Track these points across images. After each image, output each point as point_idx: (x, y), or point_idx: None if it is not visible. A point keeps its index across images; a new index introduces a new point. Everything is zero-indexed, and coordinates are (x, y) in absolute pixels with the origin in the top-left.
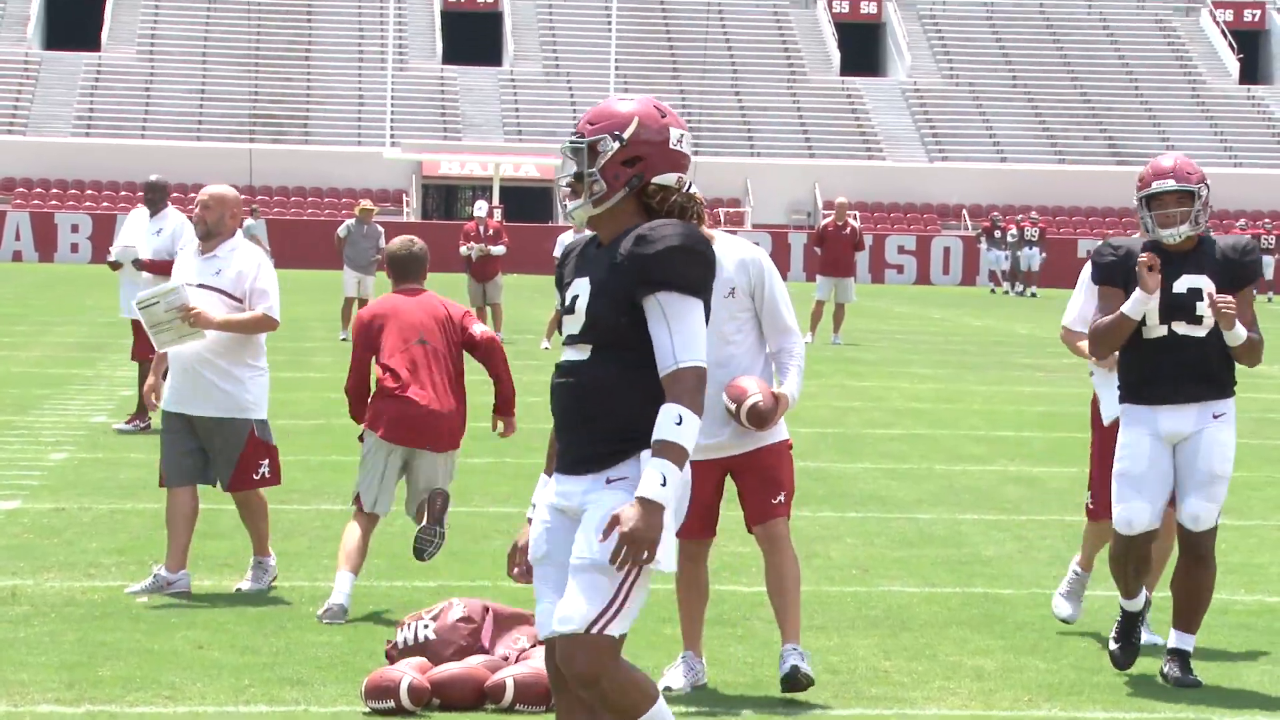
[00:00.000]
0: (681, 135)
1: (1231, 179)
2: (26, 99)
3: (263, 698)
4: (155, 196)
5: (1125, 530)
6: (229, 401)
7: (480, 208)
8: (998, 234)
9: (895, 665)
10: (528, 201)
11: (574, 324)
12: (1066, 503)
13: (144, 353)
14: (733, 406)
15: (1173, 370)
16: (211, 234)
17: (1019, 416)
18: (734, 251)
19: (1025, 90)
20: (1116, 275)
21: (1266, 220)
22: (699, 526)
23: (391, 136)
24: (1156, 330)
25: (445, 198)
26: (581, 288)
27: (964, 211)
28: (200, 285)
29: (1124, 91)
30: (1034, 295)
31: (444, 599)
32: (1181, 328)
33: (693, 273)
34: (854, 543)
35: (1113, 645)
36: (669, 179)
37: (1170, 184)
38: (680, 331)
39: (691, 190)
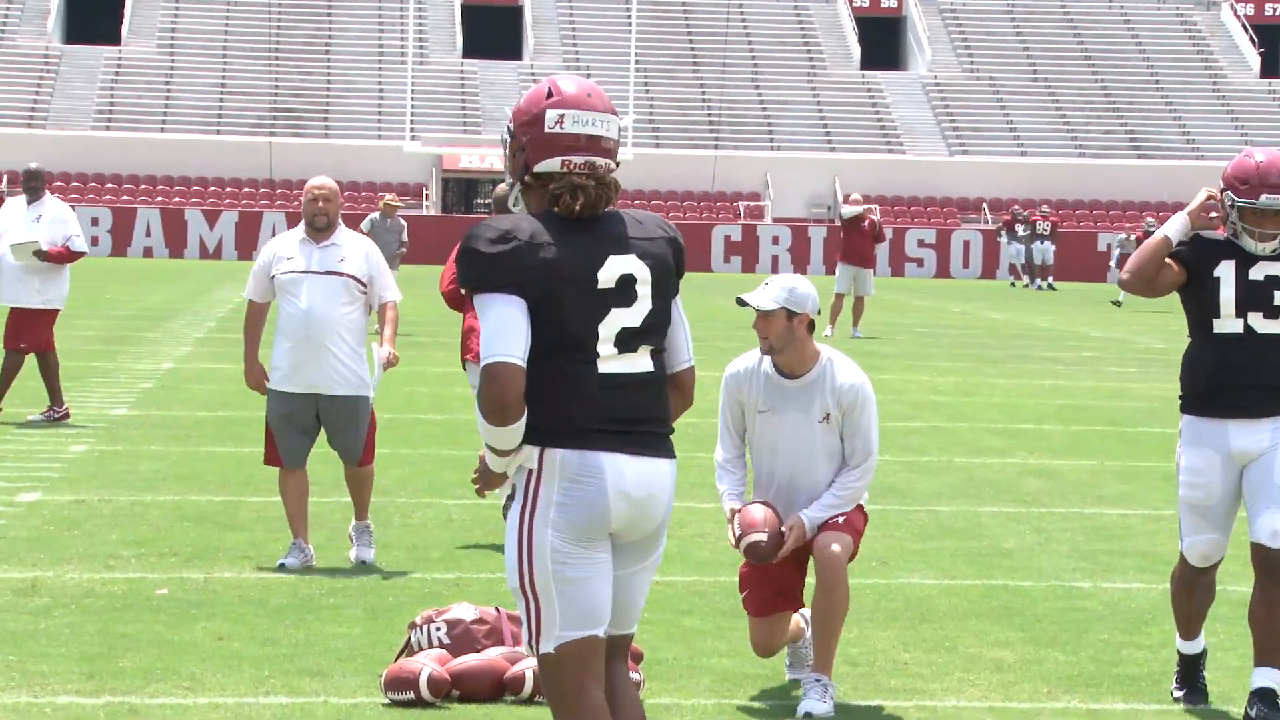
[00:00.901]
0: (561, 116)
1: None
2: (47, 92)
3: (283, 689)
4: (35, 184)
5: (1201, 564)
6: (358, 380)
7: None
8: (1019, 228)
9: (914, 657)
10: None
11: None
12: (1086, 495)
13: (12, 342)
14: (734, 536)
15: (1248, 376)
16: (332, 224)
17: (1038, 409)
18: (839, 375)
19: (1045, 83)
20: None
21: None
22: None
23: (412, 130)
24: (1230, 324)
25: (465, 191)
26: None
27: (984, 205)
28: (327, 272)
29: (1144, 85)
30: (1052, 288)
31: (462, 591)
32: (1259, 322)
33: (468, 272)
34: (873, 535)
35: (1177, 693)
36: (551, 165)
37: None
38: (483, 329)
39: (590, 173)
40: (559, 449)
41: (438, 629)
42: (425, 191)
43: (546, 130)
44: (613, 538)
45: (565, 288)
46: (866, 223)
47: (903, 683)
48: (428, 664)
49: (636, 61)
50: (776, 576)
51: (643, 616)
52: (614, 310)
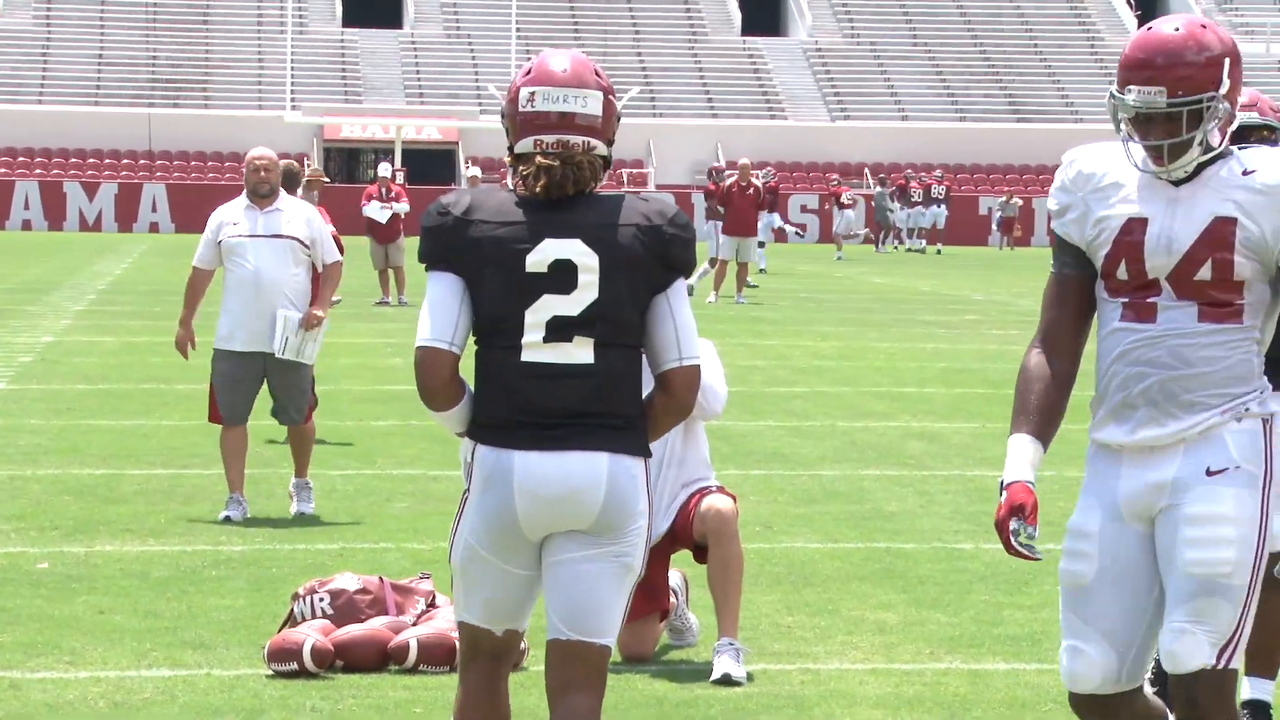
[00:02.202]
0: (533, 93)
1: None
2: None
3: (165, 661)
4: None
5: None
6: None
7: (384, 169)
8: (911, 194)
9: (798, 621)
10: (430, 164)
11: None
12: (969, 458)
13: None
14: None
15: None
16: (274, 191)
17: (921, 373)
18: None
19: (926, 48)
20: None
21: None
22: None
23: (292, 100)
24: None
25: (347, 161)
26: None
27: (866, 170)
28: (273, 236)
29: (1023, 50)
30: (938, 252)
31: (346, 562)
32: None
33: (419, 248)
34: (757, 500)
35: None
36: (526, 145)
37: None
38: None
39: (560, 152)
40: (482, 445)
41: (321, 600)
42: (307, 161)
43: (521, 109)
44: (547, 535)
45: (487, 268)
46: (750, 189)
47: (786, 646)
48: (311, 635)
49: (518, 30)
50: (646, 576)
51: None
52: (546, 296)
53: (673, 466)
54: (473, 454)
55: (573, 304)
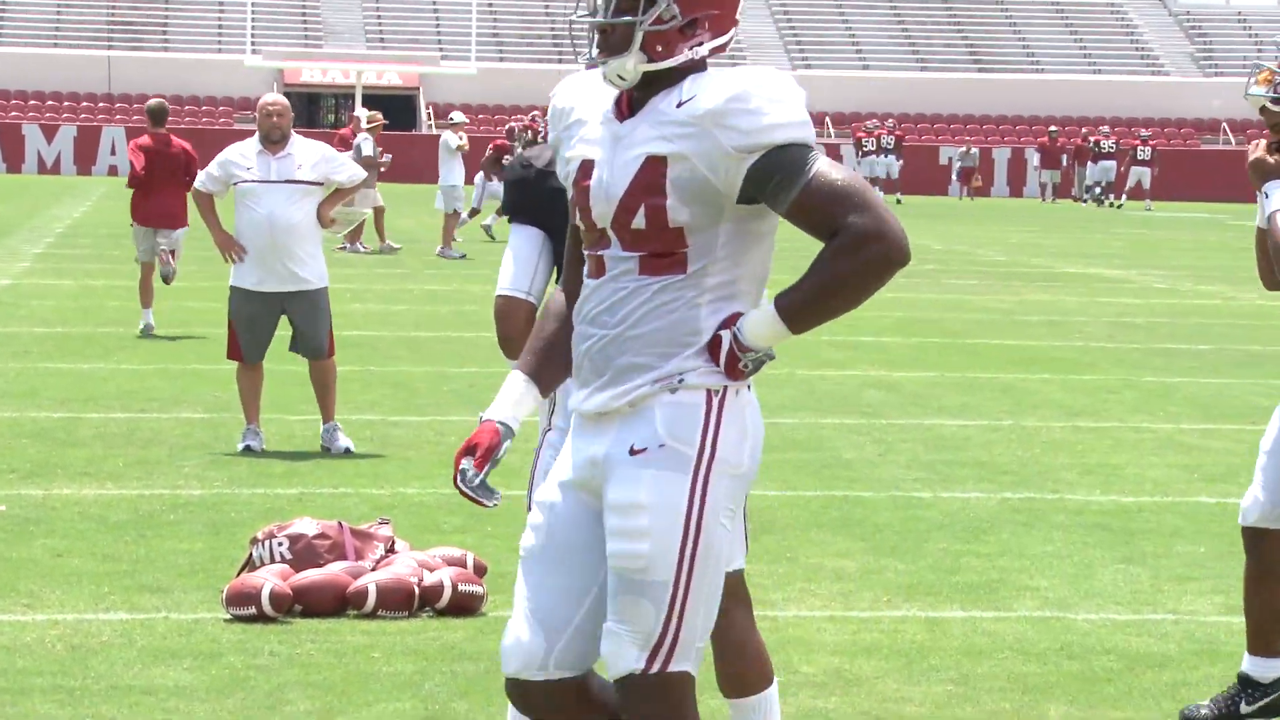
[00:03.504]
0: None
1: (1092, 86)
2: None
3: (123, 605)
4: None
5: None
6: (319, 272)
7: (361, 113)
8: (867, 142)
9: (756, 568)
10: (391, 110)
11: None
12: (926, 406)
13: None
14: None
15: None
16: (285, 136)
17: (879, 322)
18: None
19: None
20: None
21: (1142, 131)
22: None
23: (253, 44)
24: None
25: (307, 106)
26: None
27: (827, 119)
28: (286, 181)
29: None
30: (899, 202)
31: (305, 507)
32: None
33: (504, 199)
34: None
35: None
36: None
37: None
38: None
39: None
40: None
41: (280, 544)
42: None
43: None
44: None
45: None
46: None
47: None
48: (270, 579)
49: None
50: None
51: (485, 530)
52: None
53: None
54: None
55: None
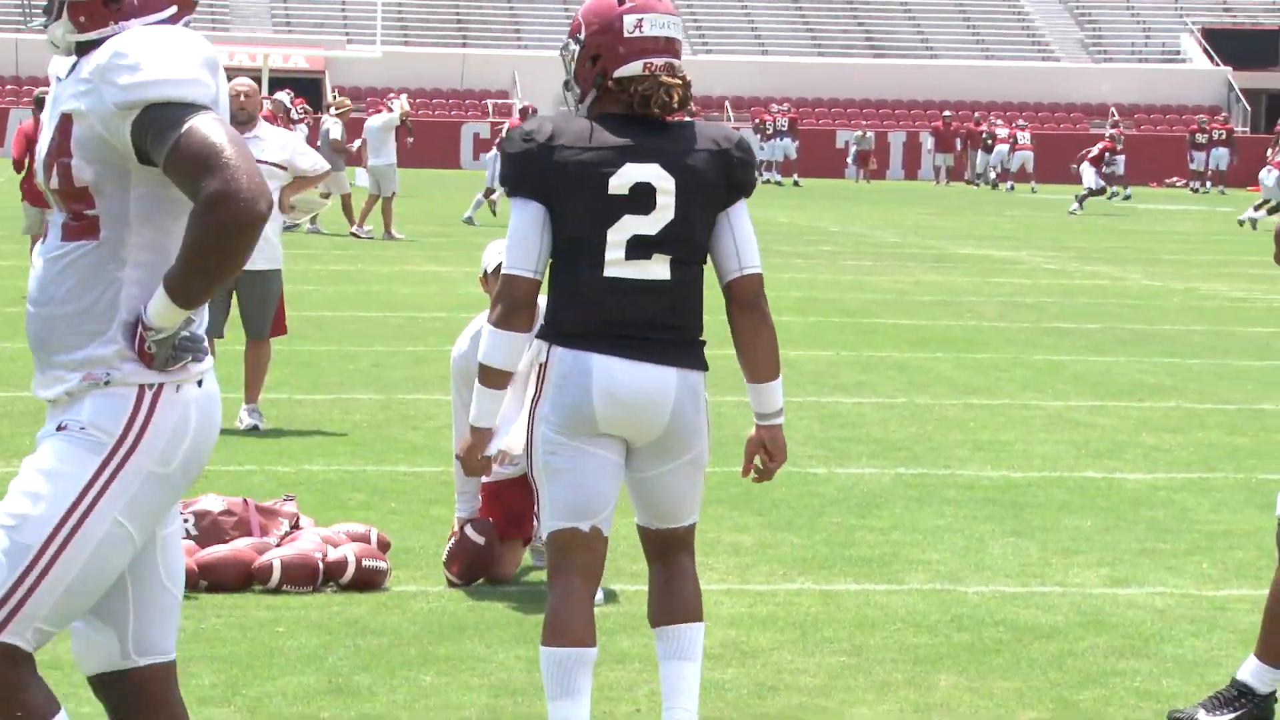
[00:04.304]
0: (639, 20)
1: (985, 71)
2: None
3: None
4: None
5: None
6: (275, 254)
7: (283, 96)
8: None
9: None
10: (297, 92)
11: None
12: (823, 384)
13: None
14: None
15: None
16: (252, 119)
17: (777, 302)
18: None
19: None
20: None
21: (1021, 120)
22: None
23: None
24: None
25: None
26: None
27: (726, 103)
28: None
29: None
30: (797, 184)
31: (211, 484)
32: None
33: (503, 175)
34: None
35: None
36: (634, 68)
37: None
38: (507, 235)
39: (671, 73)
40: (559, 347)
41: (186, 520)
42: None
43: (627, 34)
44: (628, 442)
45: (573, 193)
46: None
47: (642, 567)
48: None
49: None
50: (510, 501)
51: (389, 506)
52: (627, 217)
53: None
54: (548, 354)
55: (651, 224)
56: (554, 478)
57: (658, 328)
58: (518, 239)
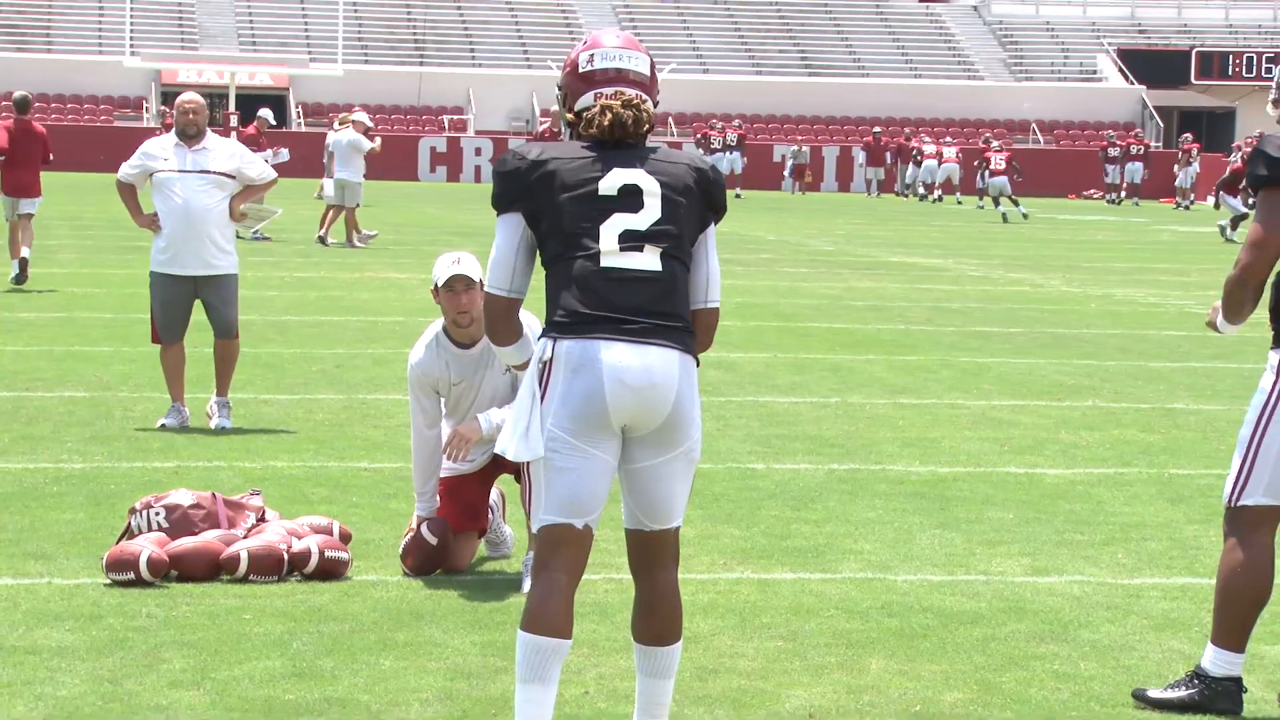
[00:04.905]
0: (591, 55)
1: (913, 89)
2: None
3: (8, 571)
4: None
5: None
6: (231, 260)
7: (265, 113)
8: (713, 141)
9: (603, 534)
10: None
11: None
12: (760, 385)
13: None
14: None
15: None
16: (201, 132)
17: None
18: None
19: (726, 7)
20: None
21: (946, 134)
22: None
23: (131, 46)
24: None
25: None
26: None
27: (670, 119)
28: (200, 171)
29: (815, 9)
30: (738, 196)
31: (181, 479)
32: None
33: (492, 194)
34: None
35: None
36: (586, 100)
37: None
38: (490, 255)
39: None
40: (565, 340)
41: (157, 514)
42: (145, 104)
43: (580, 70)
44: (625, 431)
45: (563, 195)
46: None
47: (593, 558)
48: (147, 546)
49: None
50: (465, 495)
51: (350, 500)
52: (617, 214)
53: (504, 400)
54: (553, 350)
55: (641, 220)
56: (554, 474)
57: (655, 314)
58: (498, 260)
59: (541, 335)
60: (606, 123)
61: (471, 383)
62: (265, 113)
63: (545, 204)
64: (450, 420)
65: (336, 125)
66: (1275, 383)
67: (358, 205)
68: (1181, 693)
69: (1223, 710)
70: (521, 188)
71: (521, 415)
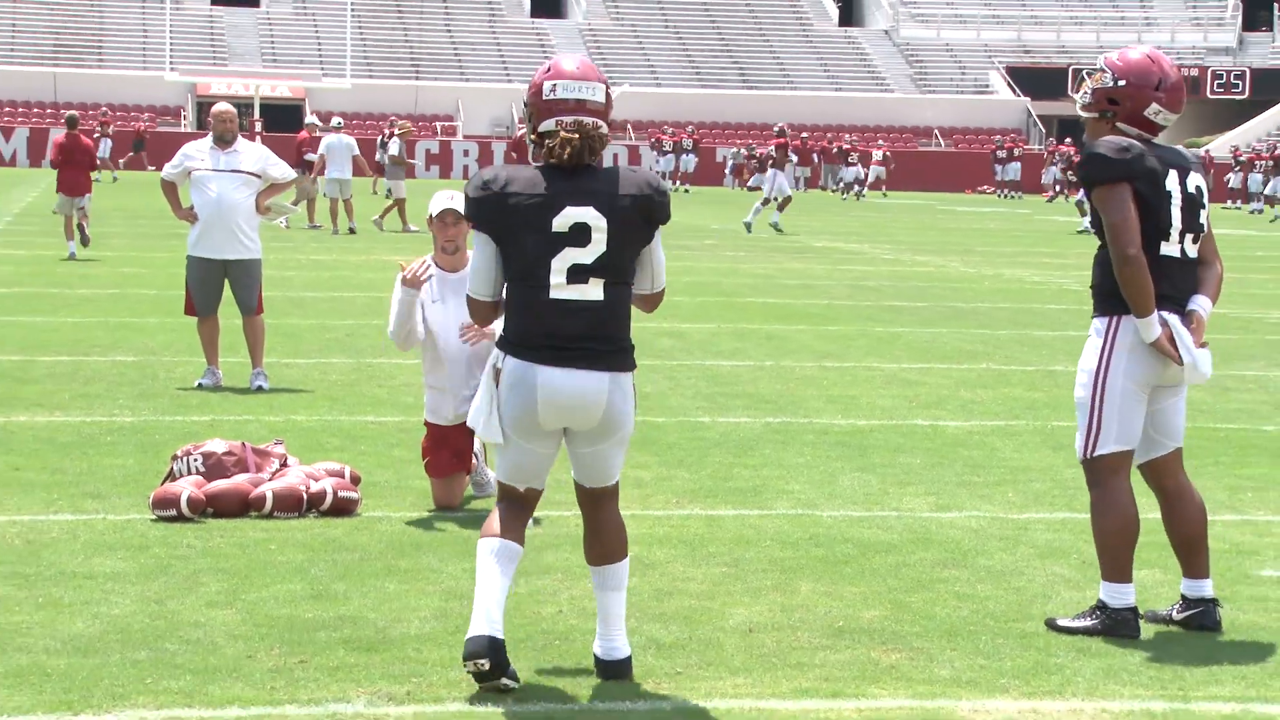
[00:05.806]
0: (554, 85)
1: (835, 100)
2: None
3: (69, 508)
4: None
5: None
6: (255, 246)
7: (312, 119)
8: (666, 144)
9: (565, 478)
10: (282, 116)
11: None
12: (706, 351)
13: None
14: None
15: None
16: (234, 137)
17: (671, 285)
18: None
19: (674, 29)
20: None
21: (880, 139)
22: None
23: (171, 63)
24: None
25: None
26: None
27: (629, 125)
28: (232, 171)
29: (750, 31)
30: (687, 191)
31: (215, 430)
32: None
33: (465, 210)
34: None
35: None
36: (548, 124)
37: None
38: (470, 263)
39: (576, 128)
40: (511, 357)
41: (195, 460)
42: (183, 113)
43: (544, 98)
44: (565, 429)
45: (523, 231)
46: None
47: (563, 497)
48: (187, 487)
49: (352, 9)
50: (454, 441)
51: (359, 448)
52: (568, 249)
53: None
54: (501, 362)
55: (588, 255)
56: (502, 454)
57: (594, 339)
58: (479, 271)
59: (498, 342)
60: (566, 156)
61: (447, 306)
62: (312, 119)
63: (505, 235)
64: (435, 345)
65: (333, 126)
66: (1103, 345)
67: (350, 197)
68: (1087, 622)
69: (1123, 635)
70: (487, 217)
71: (484, 403)
